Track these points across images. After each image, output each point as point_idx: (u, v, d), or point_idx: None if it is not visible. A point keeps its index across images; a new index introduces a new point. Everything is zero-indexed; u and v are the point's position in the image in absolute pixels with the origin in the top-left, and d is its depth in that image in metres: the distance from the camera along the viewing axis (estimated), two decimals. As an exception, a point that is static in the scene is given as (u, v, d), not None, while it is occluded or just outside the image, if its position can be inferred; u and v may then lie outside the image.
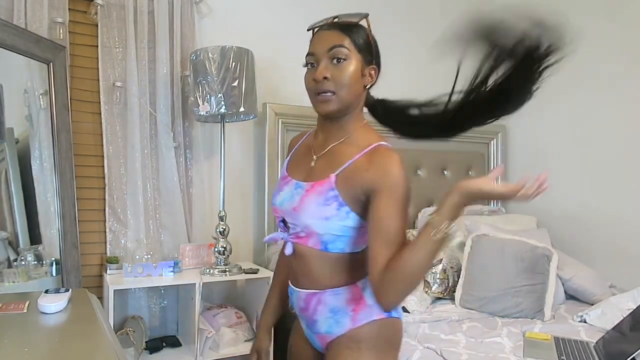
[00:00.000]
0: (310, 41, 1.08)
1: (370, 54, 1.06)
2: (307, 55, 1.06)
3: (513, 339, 1.75)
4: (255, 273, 2.05)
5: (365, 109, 1.14)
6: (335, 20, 1.05)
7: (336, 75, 1.01)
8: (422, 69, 2.95)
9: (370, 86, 1.10)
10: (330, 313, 1.09)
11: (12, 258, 1.79)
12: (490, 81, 1.03)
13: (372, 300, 1.05)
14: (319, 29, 1.07)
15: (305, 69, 1.07)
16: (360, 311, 1.06)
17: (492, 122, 1.11)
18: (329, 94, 1.02)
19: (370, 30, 1.07)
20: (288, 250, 1.10)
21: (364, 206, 1.01)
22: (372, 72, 1.07)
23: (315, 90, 1.03)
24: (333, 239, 1.04)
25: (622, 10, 2.51)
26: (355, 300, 1.07)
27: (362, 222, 1.02)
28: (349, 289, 1.07)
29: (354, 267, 1.07)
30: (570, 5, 2.74)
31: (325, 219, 1.01)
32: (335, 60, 1.02)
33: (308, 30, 1.11)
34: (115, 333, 1.09)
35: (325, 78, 1.01)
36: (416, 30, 2.93)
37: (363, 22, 1.08)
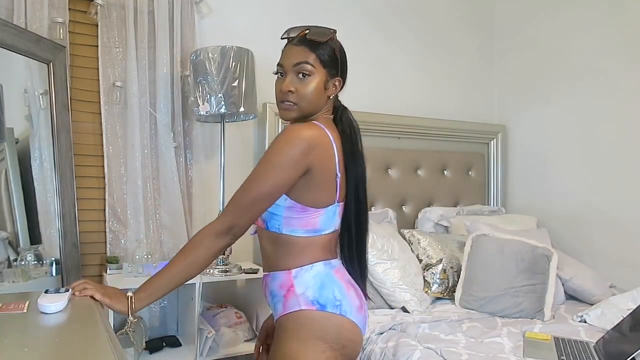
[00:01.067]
0: (282, 51, 1.18)
1: (335, 67, 1.15)
2: (277, 65, 1.17)
3: (513, 339, 1.75)
4: (255, 273, 2.05)
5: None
6: (306, 33, 1.13)
7: (300, 89, 1.12)
8: (422, 67, 2.95)
9: (336, 94, 1.20)
10: (270, 296, 1.18)
11: (12, 258, 1.79)
12: None
13: (302, 289, 1.12)
14: (289, 42, 1.16)
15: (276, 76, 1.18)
16: (289, 298, 1.12)
17: None
18: (290, 104, 1.13)
19: (338, 44, 1.17)
20: (251, 231, 1.21)
21: None
22: (337, 83, 1.17)
23: (281, 99, 1.14)
24: (269, 217, 1.14)
25: (623, 7, 2.51)
26: (286, 286, 1.13)
27: (289, 201, 1.11)
28: (283, 275, 1.15)
29: (293, 252, 1.14)
30: (571, 2, 2.76)
31: None
32: (300, 75, 1.12)
33: (282, 39, 1.19)
34: (115, 333, 1.09)
35: (290, 91, 1.12)
36: (417, 30, 2.93)
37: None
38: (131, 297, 1.09)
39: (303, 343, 1.08)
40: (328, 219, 1.16)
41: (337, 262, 1.20)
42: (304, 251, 1.14)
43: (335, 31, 1.15)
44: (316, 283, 1.12)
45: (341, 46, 1.18)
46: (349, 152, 1.16)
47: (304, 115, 1.14)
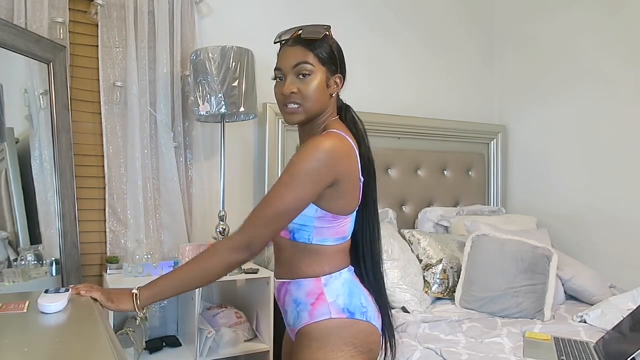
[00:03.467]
0: (277, 55, 1.15)
1: (334, 64, 1.12)
2: (275, 69, 1.13)
3: (513, 339, 1.75)
4: (255, 273, 2.04)
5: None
6: (300, 32, 1.10)
7: (302, 88, 1.08)
8: (422, 68, 2.95)
9: (338, 92, 1.16)
10: (294, 304, 1.13)
11: (12, 258, 1.79)
12: None
13: (333, 297, 1.09)
14: (284, 44, 1.13)
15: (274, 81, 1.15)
16: (318, 307, 1.09)
17: None
18: (295, 105, 1.09)
19: (333, 40, 1.13)
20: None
21: None
22: (338, 80, 1.14)
23: (284, 102, 1.11)
24: (297, 228, 1.10)
25: (623, 8, 2.51)
26: (315, 294, 1.10)
27: (320, 211, 1.08)
28: (311, 282, 1.11)
29: (322, 260, 1.11)
30: (571, 2, 2.76)
31: None
32: (301, 76, 1.09)
33: (275, 43, 1.16)
34: (115, 333, 1.09)
35: (292, 92, 1.08)
36: (417, 30, 2.93)
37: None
38: (136, 295, 1.07)
39: (332, 351, 1.06)
40: (351, 225, 1.15)
41: (351, 268, 1.18)
42: (332, 258, 1.12)
43: (329, 27, 1.12)
44: (345, 291, 1.11)
45: (337, 42, 1.15)
46: (360, 153, 1.14)
47: (311, 117, 1.12)
